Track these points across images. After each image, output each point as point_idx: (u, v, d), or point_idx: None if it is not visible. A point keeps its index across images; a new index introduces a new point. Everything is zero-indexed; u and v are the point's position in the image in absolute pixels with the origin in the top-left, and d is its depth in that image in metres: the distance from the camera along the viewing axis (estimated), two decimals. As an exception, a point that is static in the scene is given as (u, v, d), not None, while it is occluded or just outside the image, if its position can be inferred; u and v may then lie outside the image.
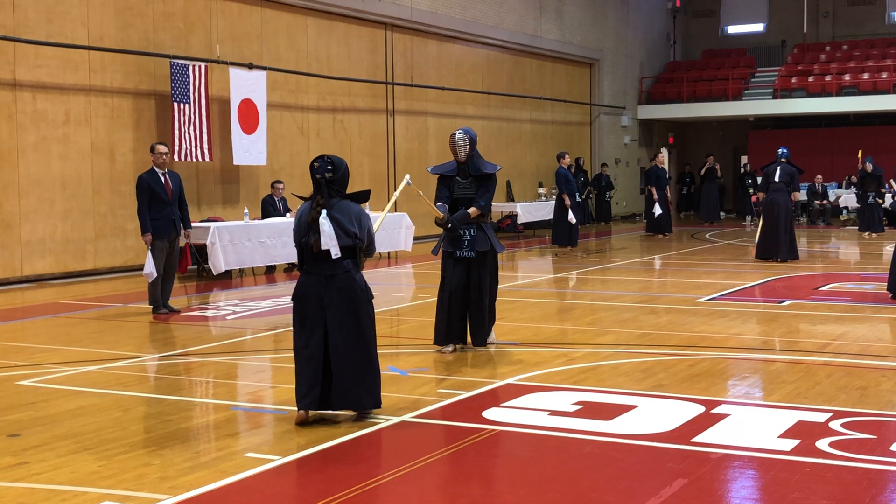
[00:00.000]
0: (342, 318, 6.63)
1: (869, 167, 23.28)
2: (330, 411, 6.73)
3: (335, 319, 6.61)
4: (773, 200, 17.17)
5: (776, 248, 17.13)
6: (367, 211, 7.09)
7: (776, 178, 17.14)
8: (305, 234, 6.66)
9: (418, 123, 24.08)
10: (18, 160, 15.38)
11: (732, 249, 20.60)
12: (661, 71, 36.15)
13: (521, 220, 24.95)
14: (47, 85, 15.79)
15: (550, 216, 22.52)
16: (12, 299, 13.88)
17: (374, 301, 6.86)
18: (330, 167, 6.67)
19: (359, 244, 6.68)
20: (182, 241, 12.62)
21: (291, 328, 6.87)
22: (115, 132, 16.78)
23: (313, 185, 6.72)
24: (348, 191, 6.81)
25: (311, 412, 6.64)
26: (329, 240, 6.56)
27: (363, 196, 6.90)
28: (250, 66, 18.91)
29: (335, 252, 6.57)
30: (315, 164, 6.69)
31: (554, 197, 22.31)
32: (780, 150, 17.64)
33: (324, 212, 6.61)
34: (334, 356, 6.61)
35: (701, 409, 6.87)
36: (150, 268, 11.68)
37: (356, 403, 6.68)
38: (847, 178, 30.04)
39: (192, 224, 13.00)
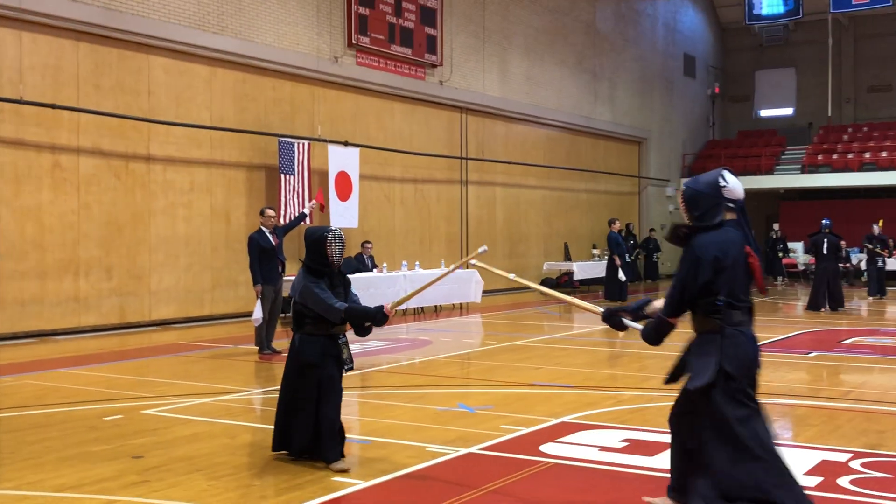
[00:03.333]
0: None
1: (875, 230, 22.82)
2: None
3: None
4: (825, 268, 18.52)
5: (825, 301, 18.40)
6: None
7: (824, 251, 18.57)
8: None
9: (488, 192, 24.16)
10: (150, 222, 15.76)
11: (765, 306, 20.18)
12: (702, 148, 35.86)
13: (577, 276, 24.76)
14: (175, 159, 16.19)
15: (603, 274, 22.32)
16: (141, 340, 14.13)
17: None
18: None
19: (302, 310, 6.40)
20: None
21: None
22: (231, 199, 17.12)
23: None
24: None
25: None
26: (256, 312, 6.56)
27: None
28: (346, 144, 19.20)
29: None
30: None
31: (606, 257, 22.14)
32: (823, 222, 19.01)
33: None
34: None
35: (734, 447, 6.71)
36: (258, 314, 11.80)
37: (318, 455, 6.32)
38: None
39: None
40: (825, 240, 18.52)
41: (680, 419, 5.01)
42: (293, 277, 17.11)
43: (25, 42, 14.05)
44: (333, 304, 6.26)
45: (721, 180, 4.99)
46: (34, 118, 14.12)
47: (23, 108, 13.97)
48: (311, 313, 6.32)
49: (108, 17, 14.90)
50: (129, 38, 15.33)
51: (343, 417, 8.22)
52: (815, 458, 6.41)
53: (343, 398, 6.46)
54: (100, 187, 15.04)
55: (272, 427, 7.54)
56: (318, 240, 6.39)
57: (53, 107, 14.26)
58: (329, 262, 6.40)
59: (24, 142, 14.05)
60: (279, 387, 6.54)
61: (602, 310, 5.62)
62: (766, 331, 14.78)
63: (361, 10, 19.61)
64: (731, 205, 4.99)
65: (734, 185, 5.00)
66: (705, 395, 4.80)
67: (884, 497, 5.48)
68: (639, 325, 5.31)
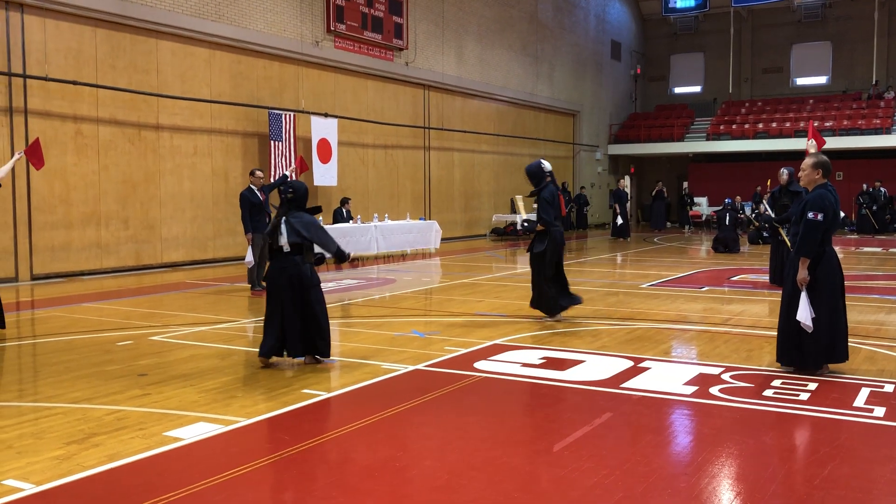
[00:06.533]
0: (292, 295, 6.67)
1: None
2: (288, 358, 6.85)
3: (288, 296, 6.68)
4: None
5: (727, 245, 19.47)
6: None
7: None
8: (272, 234, 6.78)
9: (447, 157, 24.11)
10: (160, 181, 15.60)
11: (673, 250, 20.47)
12: (625, 120, 35.90)
13: (520, 226, 24.83)
14: (181, 127, 15.99)
15: (541, 224, 22.39)
16: (154, 280, 14.07)
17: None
18: (291, 189, 6.74)
19: (306, 244, 6.67)
20: None
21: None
22: (228, 161, 16.96)
23: (280, 201, 6.89)
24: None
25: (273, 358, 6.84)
26: (284, 238, 6.66)
27: (315, 210, 6.94)
28: (326, 115, 19.03)
29: (286, 248, 6.66)
30: (281, 187, 6.84)
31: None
32: (726, 201, 20.76)
33: (283, 218, 6.70)
34: (289, 320, 6.68)
35: (630, 363, 6.88)
36: (249, 257, 11.77)
37: (308, 351, 6.75)
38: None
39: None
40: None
41: (532, 264, 9.25)
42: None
43: (49, 28, 13.71)
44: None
45: (542, 164, 9.15)
46: (59, 93, 13.85)
47: (49, 85, 13.69)
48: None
49: (121, 7, 14.57)
50: (139, 24, 15.01)
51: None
52: (694, 371, 6.58)
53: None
54: (116, 151, 14.83)
55: (256, 350, 7.56)
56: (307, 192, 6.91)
57: (75, 83, 13.99)
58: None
59: (51, 113, 13.79)
60: (300, 302, 6.62)
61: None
62: (668, 270, 15.03)
63: (338, 0, 19.30)
64: (548, 175, 9.12)
65: (546, 165, 9.19)
66: (539, 257, 9.14)
67: (744, 402, 5.67)
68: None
